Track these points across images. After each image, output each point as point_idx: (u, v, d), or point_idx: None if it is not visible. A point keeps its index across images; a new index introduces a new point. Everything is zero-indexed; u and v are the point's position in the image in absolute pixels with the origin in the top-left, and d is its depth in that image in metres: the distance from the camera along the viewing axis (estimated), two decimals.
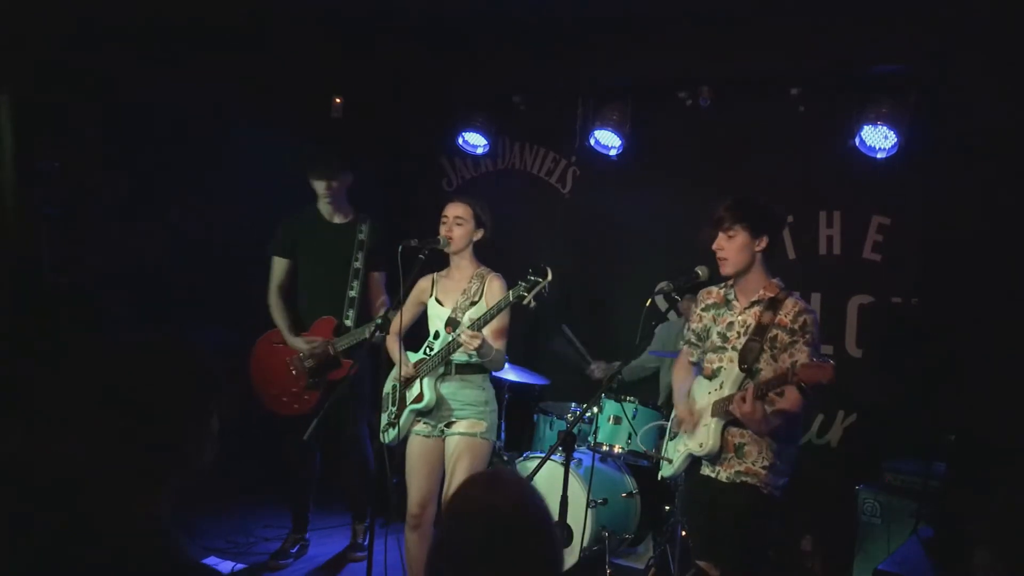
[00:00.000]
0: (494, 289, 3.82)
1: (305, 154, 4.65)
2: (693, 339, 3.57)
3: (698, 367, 3.56)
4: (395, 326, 3.85)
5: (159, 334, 1.61)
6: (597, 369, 5.15)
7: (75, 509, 1.43)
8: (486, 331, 3.67)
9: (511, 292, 3.55)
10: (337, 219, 4.66)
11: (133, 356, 1.58)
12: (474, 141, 5.68)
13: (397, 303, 3.91)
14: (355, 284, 4.54)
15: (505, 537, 1.61)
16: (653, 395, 4.93)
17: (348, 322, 4.54)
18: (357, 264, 4.55)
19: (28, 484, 1.44)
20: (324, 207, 4.64)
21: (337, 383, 4.40)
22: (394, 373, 3.97)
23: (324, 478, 4.86)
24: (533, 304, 3.52)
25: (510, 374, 4.84)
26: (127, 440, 1.51)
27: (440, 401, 3.83)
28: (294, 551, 4.72)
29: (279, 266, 4.66)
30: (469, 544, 1.62)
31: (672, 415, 3.62)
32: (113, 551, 1.42)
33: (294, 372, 4.58)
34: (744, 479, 3.23)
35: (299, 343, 4.54)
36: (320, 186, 4.57)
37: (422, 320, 4.05)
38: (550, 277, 3.48)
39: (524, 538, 1.64)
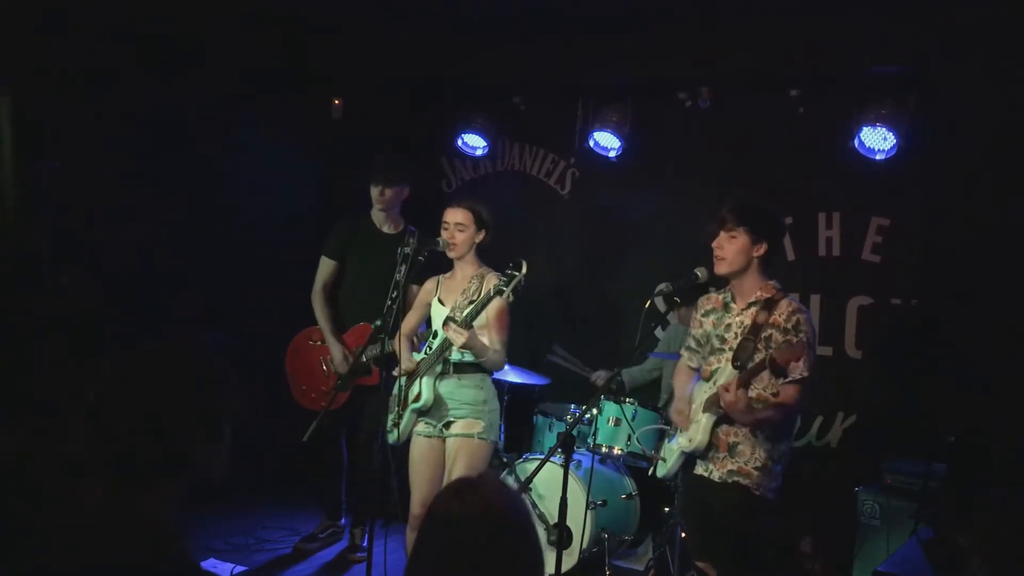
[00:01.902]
0: (491, 287, 3.84)
1: (374, 159, 4.71)
2: (693, 345, 3.58)
3: (697, 375, 3.58)
4: (405, 328, 3.89)
5: (171, 339, 1.61)
6: (599, 379, 5.10)
7: (78, 509, 1.42)
8: (483, 331, 3.67)
9: (492, 287, 3.61)
10: (387, 229, 4.73)
11: (145, 360, 1.57)
12: (473, 143, 5.68)
13: (396, 305, 3.93)
14: (395, 294, 4.58)
15: (483, 543, 1.59)
16: (653, 397, 4.93)
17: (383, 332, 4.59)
18: (398, 276, 4.58)
19: (32, 484, 1.44)
20: (376, 214, 4.71)
21: (364, 388, 4.48)
22: (397, 371, 3.99)
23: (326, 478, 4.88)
24: (511, 298, 3.60)
25: (510, 375, 4.83)
26: (135, 443, 1.51)
27: (438, 400, 3.84)
28: (324, 536, 4.81)
29: (326, 266, 4.76)
30: (448, 550, 1.60)
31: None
32: (115, 552, 1.42)
33: (326, 371, 4.71)
34: (736, 479, 3.25)
35: (336, 352, 4.63)
36: (374, 192, 4.62)
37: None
38: (525, 269, 3.56)
39: (503, 545, 1.61)
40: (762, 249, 3.31)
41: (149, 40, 4.71)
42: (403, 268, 4.56)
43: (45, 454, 1.49)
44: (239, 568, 4.28)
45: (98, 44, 4.49)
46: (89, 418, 1.51)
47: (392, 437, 3.91)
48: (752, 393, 3.20)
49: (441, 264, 4.07)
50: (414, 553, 1.67)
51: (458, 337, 3.60)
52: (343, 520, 4.91)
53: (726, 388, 3.11)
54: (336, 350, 4.64)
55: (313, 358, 4.77)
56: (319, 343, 4.75)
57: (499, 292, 3.57)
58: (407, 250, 4.58)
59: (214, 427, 1.59)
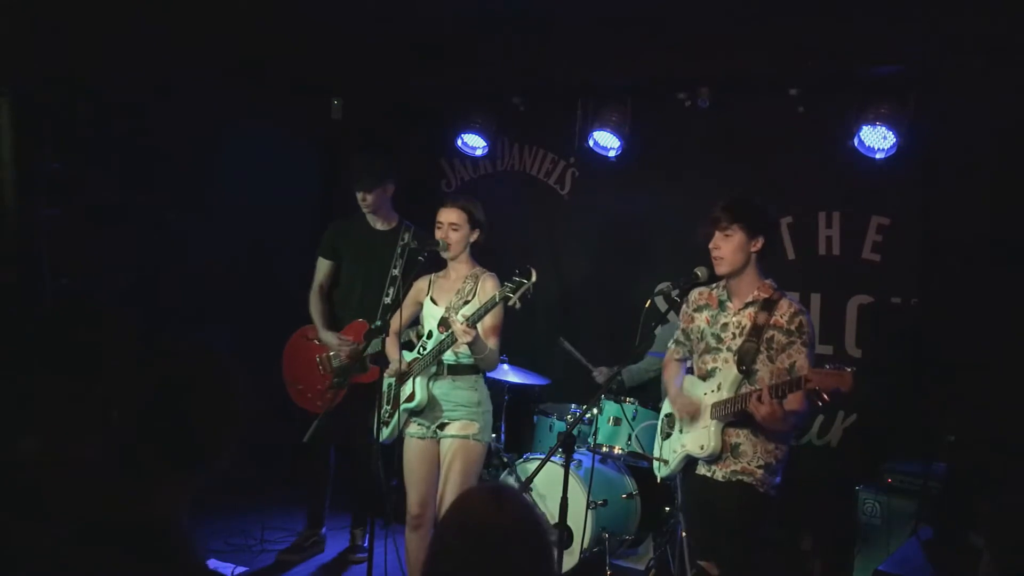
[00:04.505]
0: (487, 289, 3.82)
1: (352, 162, 4.68)
2: (682, 338, 3.59)
3: (684, 366, 3.58)
4: (394, 325, 3.88)
5: (175, 342, 1.61)
6: (600, 375, 5.10)
7: (87, 510, 1.43)
8: (479, 329, 3.68)
9: (498, 292, 3.58)
10: (380, 226, 4.70)
11: (147, 363, 1.57)
12: (473, 143, 5.68)
13: (395, 304, 3.92)
14: (391, 291, 4.57)
15: (507, 552, 1.60)
16: (653, 397, 4.93)
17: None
18: (395, 272, 4.58)
19: (42, 486, 1.44)
20: (366, 213, 4.69)
21: (361, 386, 4.42)
22: (390, 370, 3.99)
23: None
24: (518, 305, 3.54)
25: (510, 375, 4.84)
26: (146, 443, 1.51)
27: (432, 401, 3.83)
28: (307, 546, 4.76)
29: (322, 267, 4.75)
30: (464, 560, 1.60)
31: (661, 415, 3.62)
32: (122, 552, 1.42)
33: (322, 370, 4.69)
34: (740, 478, 3.25)
35: (330, 338, 4.63)
36: (358, 196, 4.61)
37: None
38: (534, 278, 3.50)
39: (526, 554, 1.62)
40: (759, 244, 3.31)
41: (149, 40, 4.71)
42: (400, 263, 4.56)
43: (52, 455, 1.49)
44: (240, 569, 4.28)
45: (98, 44, 4.49)
46: (99, 417, 1.51)
47: (383, 435, 3.91)
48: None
49: (438, 262, 4.06)
50: (433, 557, 1.66)
51: (465, 336, 3.59)
52: (324, 530, 4.88)
53: (759, 399, 3.06)
54: (330, 337, 4.62)
55: (309, 357, 4.75)
56: (315, 340, 4.73)
57: (505, 299, 3.53)
58: (403, 244, 4.59)
59: (226, 426, 1.60)
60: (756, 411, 3.07)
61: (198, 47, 4.90)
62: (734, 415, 3.22)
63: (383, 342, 4.06)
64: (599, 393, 4.17)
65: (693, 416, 3.37)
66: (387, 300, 4.58)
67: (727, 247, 3.29)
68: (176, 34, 4.75)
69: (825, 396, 2.94)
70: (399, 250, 4.61)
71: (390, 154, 4.94)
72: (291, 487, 5.29)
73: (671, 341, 3.68)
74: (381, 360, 4.26)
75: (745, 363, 3.24)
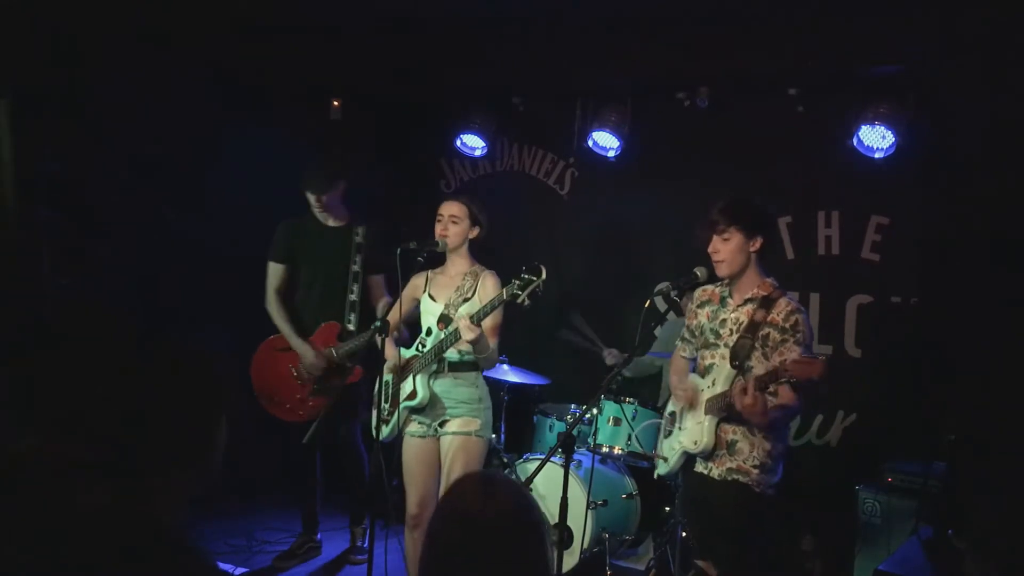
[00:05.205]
0: (488, 286, 3.83)
1: (304, 163, 4.62)
2: (687, 335, 3.61)
3: (692, 365, 3.59)
4: (392, 322, 3.87)
5: (170, 341, 1.61)
6: (610, 355, 5.07)
7: (87, 510, 1.42)
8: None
9: (505, 290, 3.56)
10: (332, 223, 4.62)
11: (144, 363, 1.57)
12: (472, 143, 5.68)
13: (362, 301, 3.91)
14: (355, 288, 4.53)
15: (495, 542, 1.61)
16: (654, 396, 4.93)
17: (351, 326, 4.52)
18: (355, 268, 4.53)
19: (34, 486, 1.44)
20: (318, 213, 4.63)
21: (350, 389, 4.36)
22: (388, 367, 3.98)
23: (326, 481, 4.87)
24: (527, 303, 3.51)
25: (510, 375, 4.83)
26: (135, 445, 1.51)
27: (433, 399, 3.83)
28: (301, 552, 4.73)
29: (275, 271, 4.63)
30: (458, 547, 1.62)
31: (666, 413, 3.63)
32: (121, 555, 1.42)
33: (299, 379, 4.56)
34: (736, 477, 3.26)
35: (307, 353, 4.47)
36: (311, 199, 4.55)
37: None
38: (544, 276, 3.48)
39: (515, 544, 1.64)
40: (757, 244, 3.32)
41: (149, 41, 4.71)
42: (358, 259, 4.52)
43: (50, 456, 1.49)
44: (240, 570, 4.28)
45: (98, 44, 4.49)
46: (98, 417, 1.51)
47: (383, 434, 3.90)
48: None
49: (437, 262, 4.05)
50: (429, 544, 1.68)
51: (469, 333, 3.58)
52: (319, 536, 4.86)
53: (743, 390, 3.07)
54: (305, 350, 4.48)
55: (282, 367, 4.57)
56: (286, 350, 4.57)
57: (514, 297, 3.51)
58: (358, 240, 4.55)
59: (214, 426, 1.60)
60: (738, 402, 3.08)
61: (198, 47, 4.90)
62: (726, 409, 3.23)
63: (382, 341, 4.05)
64: (599, 393, 4.16)
65: (693, 403, 3.38)
66: (352, 297, 4.51)
67: (726, 250, 3.31)
68: (176, 34, 4.75)
69: (799, 385, 2.98)
70: (355, 246, 4.53)
71: (343, 154, 4.87)
72: (290, 487, 5.29)
73: (678, 340, 3.69)
74: (366, 360, 4.23)
75: (738, 358, 3.25)
